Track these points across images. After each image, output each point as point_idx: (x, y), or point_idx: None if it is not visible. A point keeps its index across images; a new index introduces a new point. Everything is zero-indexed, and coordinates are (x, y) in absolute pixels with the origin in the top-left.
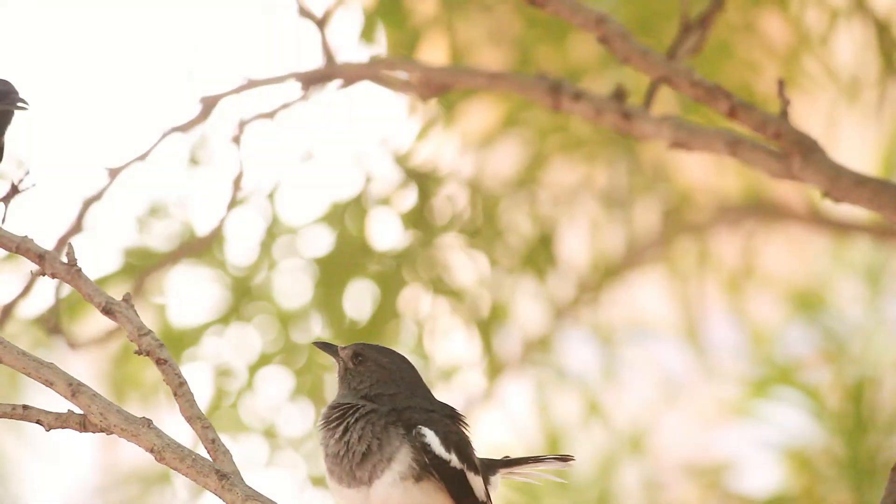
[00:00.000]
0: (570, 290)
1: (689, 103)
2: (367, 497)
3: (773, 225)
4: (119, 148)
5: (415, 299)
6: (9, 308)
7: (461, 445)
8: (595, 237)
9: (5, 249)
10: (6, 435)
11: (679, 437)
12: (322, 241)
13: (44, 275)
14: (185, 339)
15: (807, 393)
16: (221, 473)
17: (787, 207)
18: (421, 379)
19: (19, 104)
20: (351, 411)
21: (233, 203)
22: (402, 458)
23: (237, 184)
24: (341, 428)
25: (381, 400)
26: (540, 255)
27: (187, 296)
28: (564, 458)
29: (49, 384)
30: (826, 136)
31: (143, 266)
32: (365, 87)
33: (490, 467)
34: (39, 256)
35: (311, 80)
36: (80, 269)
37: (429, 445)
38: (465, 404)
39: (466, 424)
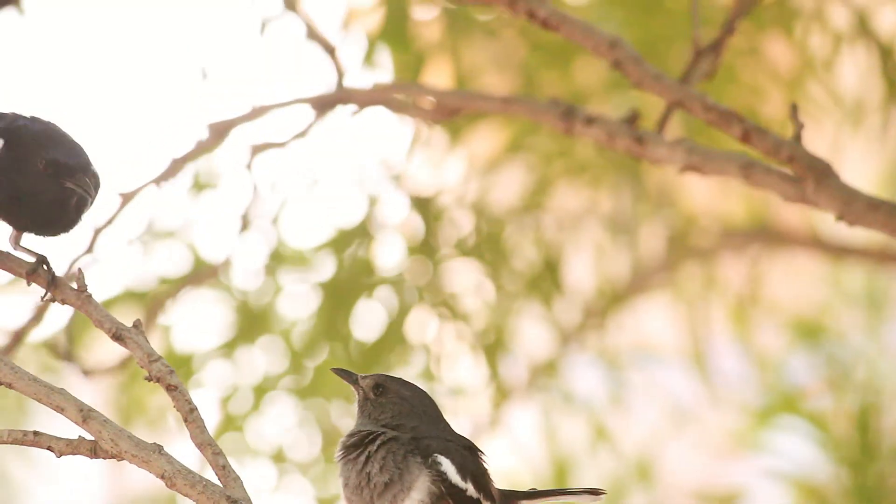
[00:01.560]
0: (576, 315)
1: (697, 127)
2: None
3: (777, 250)
4: (128, 173)
5: (421, 324)
6: (20, 333)
7: (478, 475)
8: (601, 262)
9: (16, 275)
10: (16, 460)
11: (686, 465)
12: (328, 266)
13: (54, 301)
14: (192, 364)
15: (812, 421)
16: (232, 500)
17: (791, 232)
18: (441, 413)
19: (82, 188)
20: (371, 438)
21: (244, 229)
22: (421, 487)
23: (248, 211)
24: (363, 458)
25: (402, 430)
26: (545, 281)
27: (195, 320)
28: (595, 492)
29: (60, 410)
30: (831, 160)
31: (151, 292)
32: (372, 113)
33: (511, 498)
34: (49, 283)
35: (323, 105)
36: (90, 296)
37: (445, 474)
38: (471, 430)
39: (485, 457)
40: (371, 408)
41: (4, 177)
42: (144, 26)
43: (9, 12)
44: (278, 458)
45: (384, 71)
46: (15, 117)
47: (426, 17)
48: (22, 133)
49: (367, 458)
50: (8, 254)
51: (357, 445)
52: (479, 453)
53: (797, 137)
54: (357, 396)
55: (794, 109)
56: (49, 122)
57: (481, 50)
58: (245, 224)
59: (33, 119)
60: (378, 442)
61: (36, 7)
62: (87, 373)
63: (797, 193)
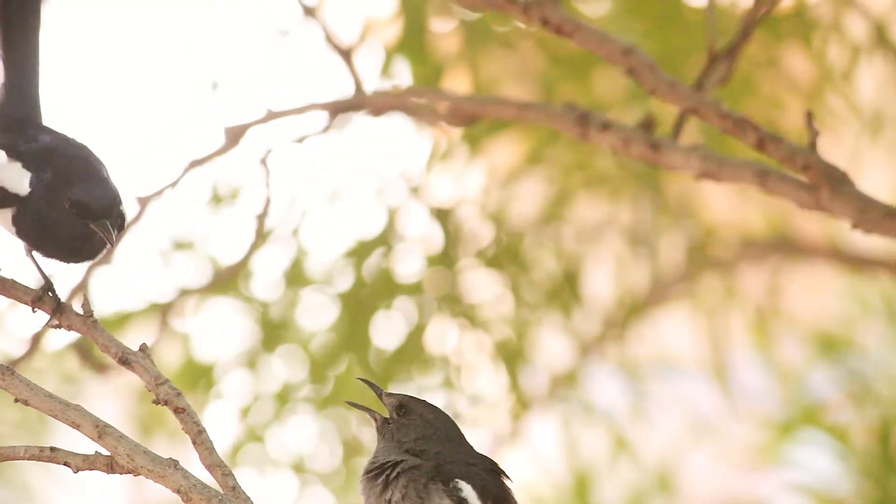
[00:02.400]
0: (596, 326)
1: (713, 135)
2: None
3: (797, 261)
4: (142, 179)
5: (441, 334)
6: (32, 349)
7: (500, 499)
8: (620, 273)
9: (21, 303)
10: (37, 472)
11: (707, 477)
12: (347, 277)
13: (59, 327)
14: (212, 374)
15: (833, 434)
16: None
17: (810, 243)
18: (463, 436)
19: (104, 233)
20: (391, 465)
21: (258, 237)
22: None
23: (262, 218)
24: (382, 482)
25: (425, 455)
26: (565, 292)
27: (215, 330)
28: None
29: (76, 426)
30: (850, 170)
31: (168, 301)
32: (391, 121)
33: None
34: (55, 309)
35: (339, 110)
36: (95, 321)
37: (465, 500)
38: (491, 441)
39: (509, 478)
40: (395, 429)
41: (32, 203)
42: (163, 29)
43: None
44: (299, 468)
45: (402, 81)
46: (50, 140)
47: (444, 28)
48: (54, 161)
49: (387, 483)
50: (13, 281)
51: (379, 473)
52: (503, 474)
53: (812, 145)
54: (375, 423)
55: (809, 117)
56: (82, 147)
57: (499, 61)
58: (260, 229)
59: (67, 142)
60: (398, 469)
61: (56, 9)
62: (101, 368)
63: (812, 201)
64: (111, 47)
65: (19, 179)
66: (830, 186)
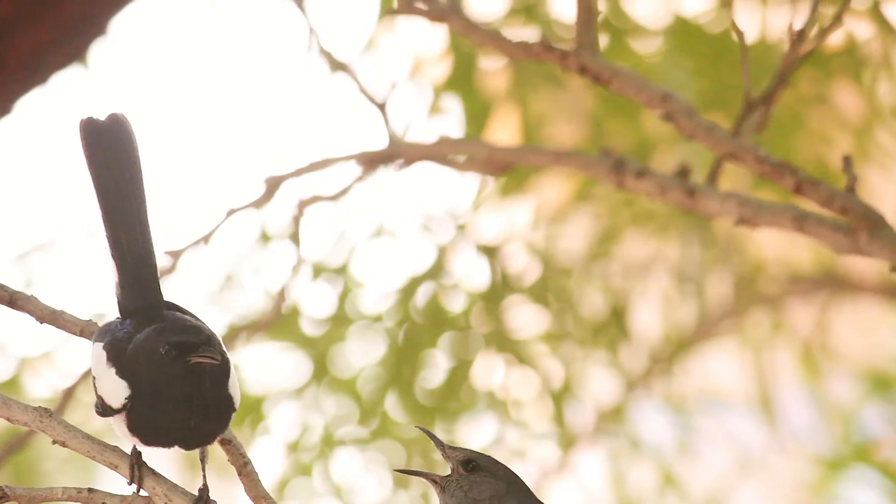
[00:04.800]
0: (642, 361)
1: (756, 178)
2: None
3: (846, 297)
4: (181, 229)
5: (488, 370)
6: (70, 391)
7: None
8: (667, 309)
9: (70, 333)
10: None
11: None
12: (395, 313)
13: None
14: (259, 409)
15: (885, 473)
16: None
17: (859, 280)
18: (531, 492)
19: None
20: None
21: (291, 283)
22: None
23: (297, 266)
24: None
25: None
26: (612, 327)
27: (262, 366)
28: None
29: (113, 467)
30: None
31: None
32: (429, 165)
33: None
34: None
35: (373, 161)
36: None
37: None
38: (538, 476)
39: None
40: (467, 485)
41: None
42: (202, 81)
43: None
44: (346, 501)
45: (452, 118)
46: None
47: (493, 66)
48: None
49: None
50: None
51: None
52: None
53: (850, 189)
54: (434, 483)
55: (846, 161)
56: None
57: (548, 99)
58: (294, 275)
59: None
60: None
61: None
62: None
63: (851, 245)
64: (151, 92)
65: (115, 389)
66: (868, 229)
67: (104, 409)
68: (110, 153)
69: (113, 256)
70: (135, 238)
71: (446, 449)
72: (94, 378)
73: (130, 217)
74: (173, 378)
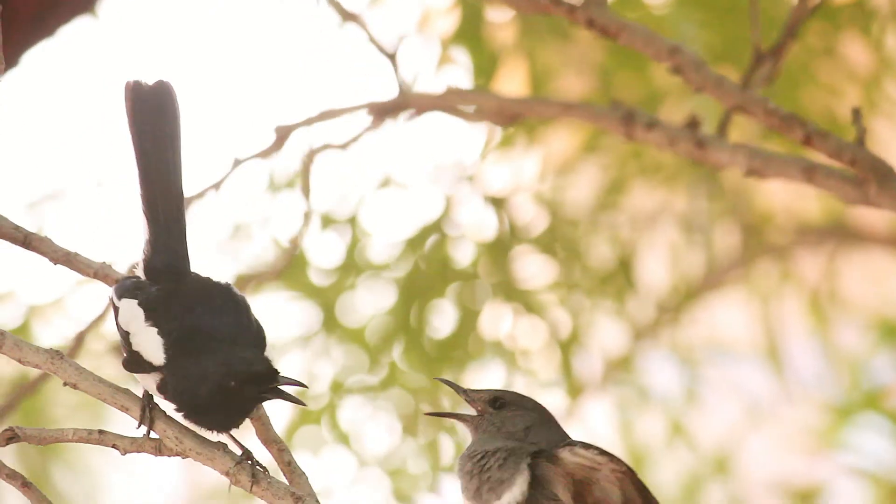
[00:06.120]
0: (650, 311)
1: (766, 130)
2: None
3: (854, 248)
4: (193, 176)
5: (495, 320)
6: (81, 336)
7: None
8: (675, 260)
9: (84, 275)
10: (92, 451)
11: (764, 461)
12: (403, 263)
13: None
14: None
15: (894, 420)
16: (297, 496)
17: (868, 230)
18: (556, 420)
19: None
20: (491, 453)
21: (303, 231)
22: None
23: (307, 214)
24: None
25: (538, 444)
26: (619, 278)
27: (271, 315)
28: None
29: (124, 409)
30: None
31: None
32: (439, 116)
33: None
34: (117, 282)
35: (383, 111)
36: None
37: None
38: None
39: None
40: (499, 421)
41: (175, 375)
42: (212, 32)
43: (84, 20)
44: (354, 450)
45: (459, 71)
46: (191, 300)
47: (501, 19)
48: (196, 324)
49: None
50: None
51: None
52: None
53: (859, 140)
54: (467, 422)
55: (856, 113)
56: (225, 296)
57: (556, 52)
58: (305, 224)
59: (210, 296)
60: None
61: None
62: None
63: (859, 196)
64: (164, 45)
65: (155, 348)
66: (877, 181)
67: (139, 365)
68: (153, 117)
69: (146, 215)
70: (170, 200)
71: (469, 393)
72: (126, 333)
73: (167, 180)
74: (225, 399)
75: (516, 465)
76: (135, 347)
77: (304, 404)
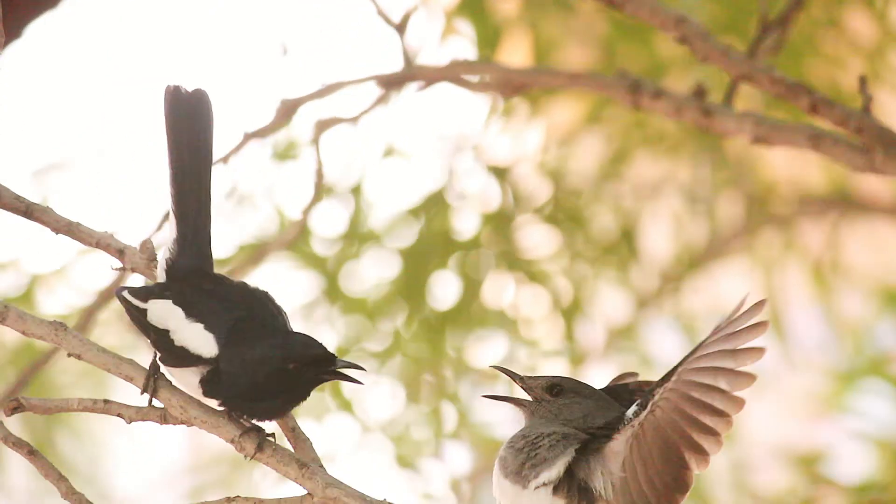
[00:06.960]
0: (653, 280)
1: (771, 99)
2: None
3: (857, 217)
4: None
5: (498, 289)
6: (90, 310)
7: None
8: (678, 229)
9: (86, 245)
10: (97, 420)
11: (768, 425)
12: (406, 233)
13: (124, 269)
14: None
15: None
16: (302, 462)
17: (871, 200)
18: (613, 402)
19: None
20: (546, 434)
21: (313, 203)
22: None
23: (318, 186)
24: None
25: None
26: (622, 247)
27: (276, 284)
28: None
29: (129, 379)
30: None
31: (227, 257)
32: (445, 87)
33: None
34: (119, 251)
35: (390, 83)
36: (157, 263)
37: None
38: None
39: None
40: (556, 408)
41: (228, 368)
42: (220, 3)
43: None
44: (358, 417)
45: (463, 42)
46: (229, 296)
47: None
48: (240, 317)
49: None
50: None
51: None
52: None
53: (866, 109)
54: (524, 408)
55: (862, 82)
56: (258, 295)
57: (560, 24)
58: (316, 196)
59: (244, 293)
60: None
61: None
62: None
63: (866, 163)
64: (167, 20)
65: (204, 341)
66: (883, 149)
67: (183, 360)
68: (190, 122)
69: (175, 213)
70: (200, 202)
71: (526, 380)
72: (163, 332)
73: (199, 182)
74: (286, 384)
75: (565, 448)
76: (178, 343)
77: (362, 384)
